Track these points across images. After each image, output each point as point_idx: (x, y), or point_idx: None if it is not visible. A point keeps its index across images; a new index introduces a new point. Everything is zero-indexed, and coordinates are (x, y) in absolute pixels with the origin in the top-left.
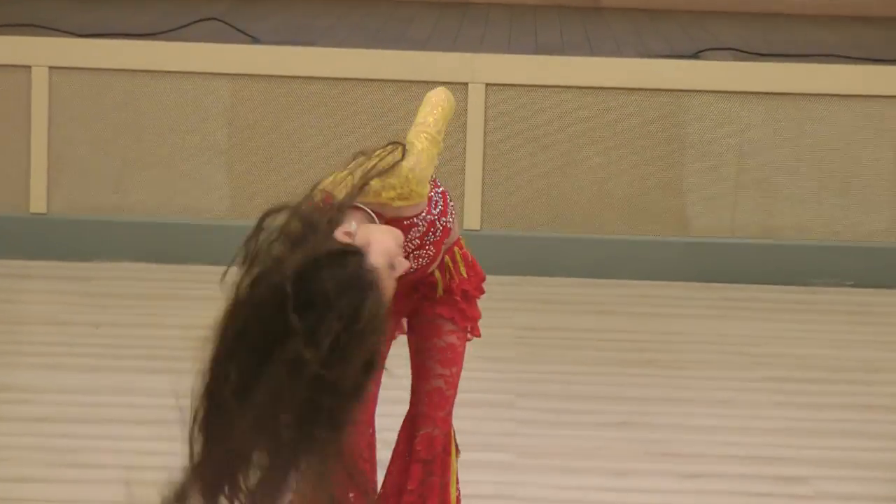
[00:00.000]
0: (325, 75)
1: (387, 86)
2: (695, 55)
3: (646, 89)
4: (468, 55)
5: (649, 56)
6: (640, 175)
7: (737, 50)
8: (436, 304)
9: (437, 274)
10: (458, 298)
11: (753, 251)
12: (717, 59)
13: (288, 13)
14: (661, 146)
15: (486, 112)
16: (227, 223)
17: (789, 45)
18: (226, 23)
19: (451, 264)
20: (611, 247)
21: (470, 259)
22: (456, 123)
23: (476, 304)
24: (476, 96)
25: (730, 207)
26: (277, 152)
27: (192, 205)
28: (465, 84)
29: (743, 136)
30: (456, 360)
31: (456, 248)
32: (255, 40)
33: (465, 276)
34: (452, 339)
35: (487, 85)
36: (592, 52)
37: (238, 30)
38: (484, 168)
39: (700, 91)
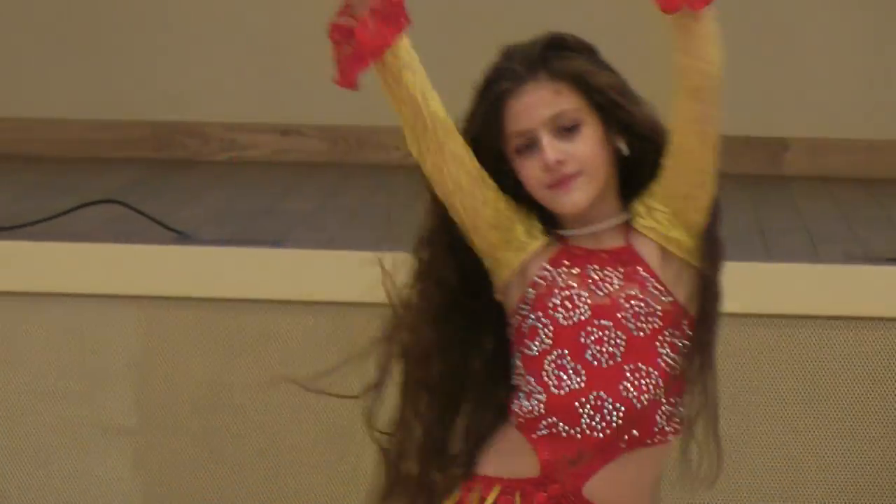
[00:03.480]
0: (299, 297)
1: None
2: None
3: (862, 318)
4: None
5: (869, 260)
6: (855, 466)
7: None
8: None
9: None
10: None
11: None
12: None
13: (236, 189)
14: (884, 419)
15: None
16: None
17: None
18: (131, 207)
19: None
20: None
21: None
22: None
23: None
24: None
25: None
26: (219, 434)
27: None
28: None
29: None
30: None
31: None
32: (183, 236)
33: None
34: None
35: None
36: (769, 252)
37: (153, 219)
38: None
39: None
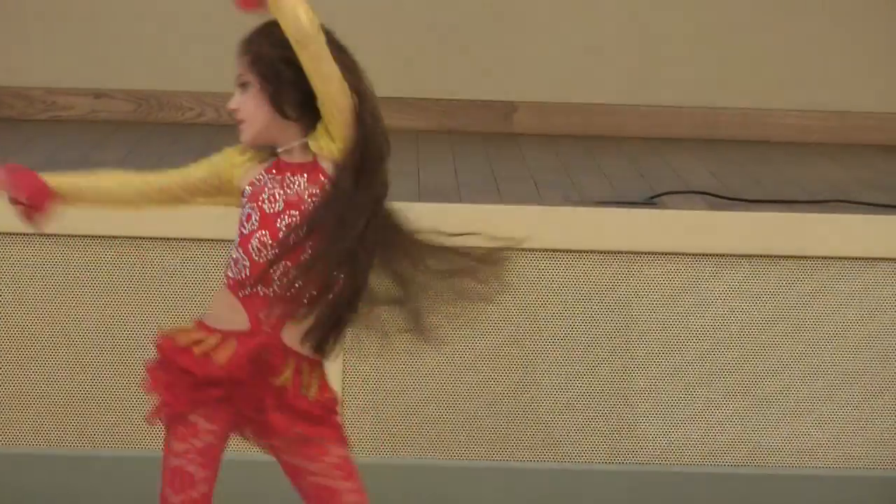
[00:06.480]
0: (95, 232)
1: None
2: (649, 201)
3: (578, 251)
4: None
5: (584, 203)
6: (552, 384)
7: (710, 194)
8: (292, 416)
9: (290, 369)
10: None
11: (742, 483)
12: (683, 207)
13: (56, 143)
14: (602, 338)
15: None
16: None
17: (787, 187)
18: None
19: (306, 371)
20: (515, 479)
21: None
22: None
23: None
24: None
25: (703, 425)
26: None
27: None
28: None
29: (724, 318)
30: (353, 471)
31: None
32: None
33: (311, 396)
34: (342, 451)
35: None
36: (501, 196)
37: None
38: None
39: (657, 253)
